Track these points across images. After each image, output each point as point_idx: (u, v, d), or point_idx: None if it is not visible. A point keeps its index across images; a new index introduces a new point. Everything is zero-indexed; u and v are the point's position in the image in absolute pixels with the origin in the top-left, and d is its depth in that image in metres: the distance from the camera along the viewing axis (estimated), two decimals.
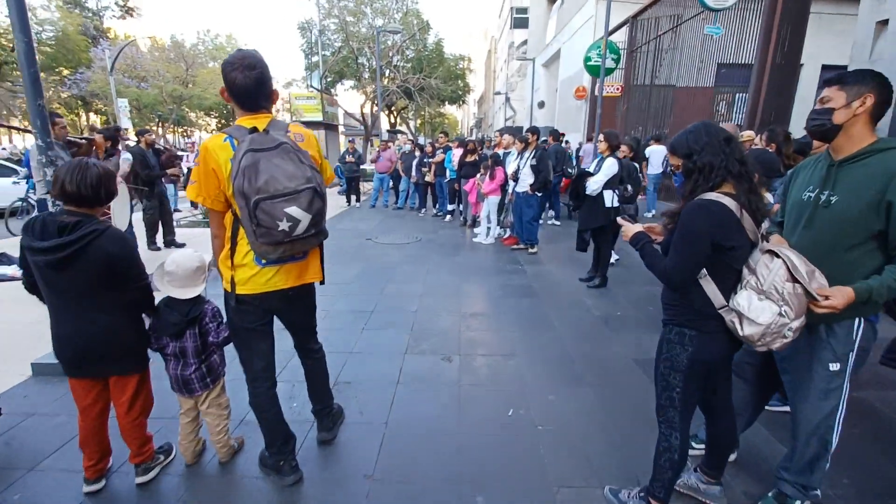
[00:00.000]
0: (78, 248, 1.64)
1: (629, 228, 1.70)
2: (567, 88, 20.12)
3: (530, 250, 6.31)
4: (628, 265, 5.63)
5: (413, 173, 9.62)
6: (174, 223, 6.61)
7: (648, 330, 3.70)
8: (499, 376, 2.99)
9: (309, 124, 14.49)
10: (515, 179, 6.23)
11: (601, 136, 4.63)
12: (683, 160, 1.53)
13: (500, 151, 7.24)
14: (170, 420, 2.26)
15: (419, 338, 3.55)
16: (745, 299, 1.46)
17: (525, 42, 30.15)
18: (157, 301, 1.96)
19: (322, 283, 1.96)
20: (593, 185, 4.47)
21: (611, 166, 4.46)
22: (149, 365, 1.98)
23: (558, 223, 8.68)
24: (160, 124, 31.01)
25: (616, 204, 4.52)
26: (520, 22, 32.05)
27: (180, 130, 38.28)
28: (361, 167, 11.05)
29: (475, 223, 7.72)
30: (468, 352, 3.32)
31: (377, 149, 11.11)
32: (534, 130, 6.23)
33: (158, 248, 6.13)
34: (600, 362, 3.18)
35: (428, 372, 3.02)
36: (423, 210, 9.77)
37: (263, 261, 1.70)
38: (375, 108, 17.91)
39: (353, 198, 10.94)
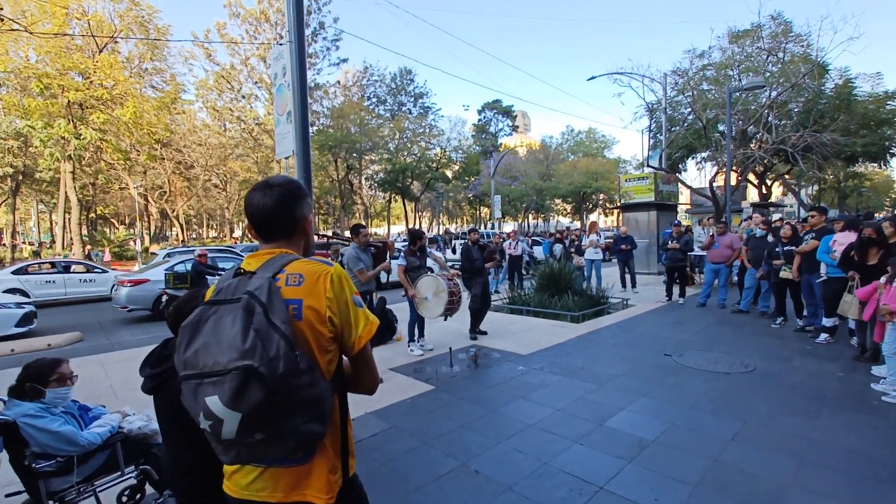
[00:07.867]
0: (158, 383, 1.65)
1: None
2: None
3: None
4: None
5: (762, 265, 6.89)
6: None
7: None
8: None
9: (638, 206, 13.34)
10: None
11: None
12: None
13: None
14: None
15: None
16: None
17: None
18: None
19: None
20: None
21: None
22: None
23: None
24: (523, 212, 37.39)
25: None
26: None
27: (541, 216, 44.85)
28: (691, 254, 8.98)
29: (877, 356, 4.51)
30: None
31: (711, 232, 8.79)
32: None
33: (475, 337, 6.50)
34: None
35: None
36: (781, 320, 6.70)
37: None
38: (737, 179, 14.71)
39: (677, 291, 8.92)
